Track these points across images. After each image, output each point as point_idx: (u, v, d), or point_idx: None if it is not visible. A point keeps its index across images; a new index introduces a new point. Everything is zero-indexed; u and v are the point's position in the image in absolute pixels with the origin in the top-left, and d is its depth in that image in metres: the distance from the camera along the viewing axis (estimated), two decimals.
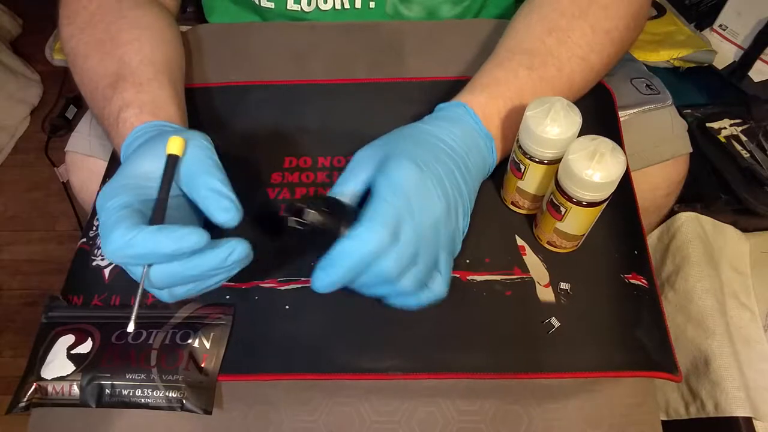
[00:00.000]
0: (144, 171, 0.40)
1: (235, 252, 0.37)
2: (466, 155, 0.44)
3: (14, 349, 1.24)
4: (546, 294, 0.46)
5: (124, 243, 0.34)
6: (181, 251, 0.35)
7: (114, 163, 0.55)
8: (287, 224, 0.38)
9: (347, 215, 0.39)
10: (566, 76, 0.49)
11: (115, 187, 0.38)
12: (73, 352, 0.43)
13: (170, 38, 0.54)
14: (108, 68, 0.49)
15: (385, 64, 0.61)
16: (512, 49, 0.50)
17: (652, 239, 0.87)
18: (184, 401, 0.41)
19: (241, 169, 0.53)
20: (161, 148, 0.40)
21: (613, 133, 0.55)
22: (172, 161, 0.39)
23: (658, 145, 0.62)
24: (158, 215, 0.38)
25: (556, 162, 0.43)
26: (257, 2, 0.63)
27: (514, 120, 0.47)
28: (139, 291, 0.37)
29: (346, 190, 0.43)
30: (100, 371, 0.42)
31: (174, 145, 0.39)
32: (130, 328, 0.37)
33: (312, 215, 0.38)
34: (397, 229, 0.37)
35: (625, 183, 0.51)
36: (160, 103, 0.47)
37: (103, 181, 0.54)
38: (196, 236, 0.35)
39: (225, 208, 0.38)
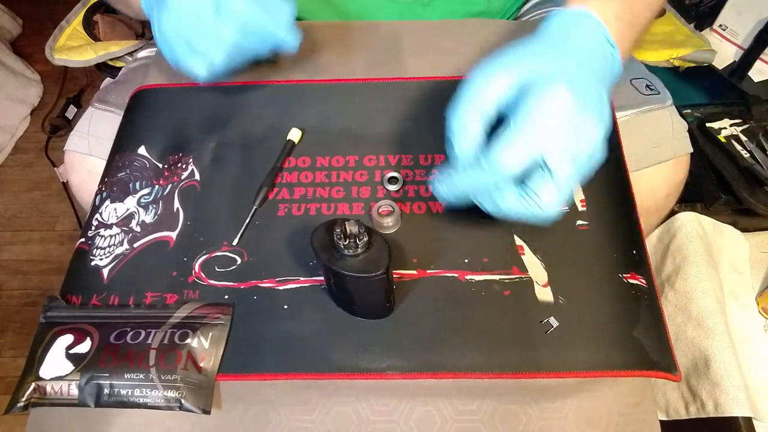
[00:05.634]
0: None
1: (288, 45, 0.50)
2: (602, 66, 0.43)
3: (14, 349, 1.24)
4: (544, 294, 0.46)
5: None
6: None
7: (112, 163, 0.55)
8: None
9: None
10: None
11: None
12: (71, 351, 0.43)
13: None
14: None
15: (384, 64, 0.61)
16: None
17: (652, 239, 0.87)
18: (182, 401, 0.41)
19: (240, 168, 0.53)
20: None
21: (610, 133, 0.54)
22: (290, 145, 0.54)
23: (658, 145, 0.62)
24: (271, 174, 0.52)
25: None
26: None
27: (628, 22, 0.45)
28: None
29: (475, 112, 0.41)
30: (98, 371, 0.42)
31: (293, 134, 0.55)
32: None
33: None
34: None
35: (624, 183, 0.51)
36: None
37: (101, 182, 0.54)
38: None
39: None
